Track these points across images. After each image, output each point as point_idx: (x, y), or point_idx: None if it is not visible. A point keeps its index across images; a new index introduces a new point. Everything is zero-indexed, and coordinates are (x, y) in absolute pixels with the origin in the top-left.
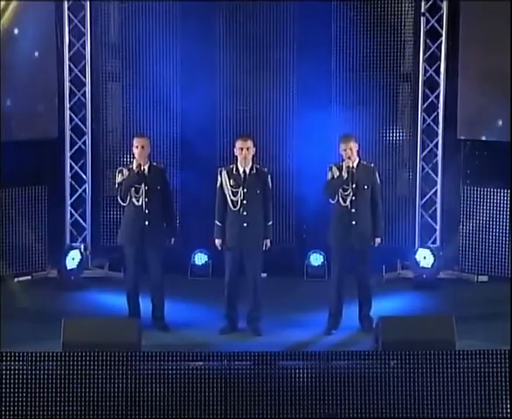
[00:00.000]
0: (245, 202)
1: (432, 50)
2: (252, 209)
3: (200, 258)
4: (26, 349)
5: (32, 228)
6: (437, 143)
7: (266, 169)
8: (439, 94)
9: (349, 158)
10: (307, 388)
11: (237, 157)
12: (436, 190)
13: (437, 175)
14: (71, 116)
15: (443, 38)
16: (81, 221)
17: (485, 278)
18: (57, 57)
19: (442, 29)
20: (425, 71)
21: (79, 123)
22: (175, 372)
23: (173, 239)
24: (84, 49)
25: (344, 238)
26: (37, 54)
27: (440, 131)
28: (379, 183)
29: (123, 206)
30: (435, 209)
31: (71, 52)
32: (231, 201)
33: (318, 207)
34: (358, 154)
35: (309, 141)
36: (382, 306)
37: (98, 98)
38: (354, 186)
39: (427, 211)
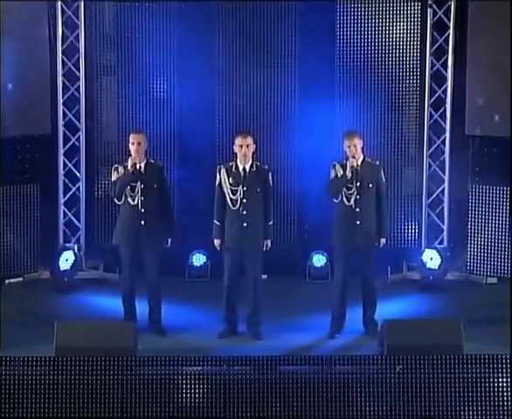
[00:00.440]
0: (244, 200)
1: (439, 43)
2: (252, 207)
3: (198, 259)
4: (18, 353)
5: (24, 227)
6: (444, 139)
7: (266, 167)
8: (446, 89)
9: (354, 157)
10: (309, 393)
11: (236, 154)
12: (443, 189)
13: (444, 173)
14: (64, 111)
15: (450, 31)
16: (75, 220)
17: (494, 280)
18: (49, 50)
19: (450, 21)
20: (432, 64)
21: (73, 119)
22: (172, 377)
23: (170, 240)
24: (77, 41)
25: (348, 238)
26: (28, 47)
27: (448, 127)
28: (384, 181)
29: (119, 205)
30: (442, 208)
31: (64, 45)
32: (231, 199)
33: (321, 206)
34: (363, 152)
35: (312, 138)
36: (387, 309)
37: (92, 92)
38: (358, 184)
39: (434, 210)
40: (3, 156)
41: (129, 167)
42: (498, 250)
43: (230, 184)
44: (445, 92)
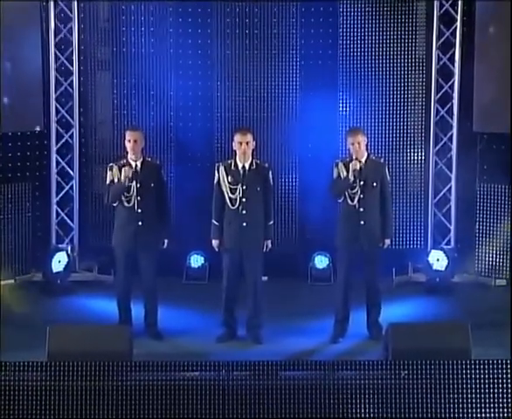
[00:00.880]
0: (244, 199)
1: (446, 36)
2: (251, 207)
3: (196, 260)
4: (9, 359)
5: (15, 228)
6: (451, 136)
7: (266, 165)
8: (453, 84)
9: (357, 158)
10: (312, 400)
11: (235, 152)
12: (450, 187)
13: (451, 171)
14: (57, 107)
15: (458, 23)
16: (68, 220)
17: (503, 282)
18: (41, 43)
19: (457, 13)
20: (439, 58)
21: (66, 115)
22: (169, 383)
23: (166, 241)
24: (71, 35)
25: (351, 239)
26: (19, 41)
27: (455, 123)
28: (389, 180)
29: (113, 205)
30: (449, 207)
31: (57, 39)
32: (230, 199)
33: (323, 205)
34: (367, 149)
35: (314, 135)
36: (392, 312)
37: (86, 88)
38: (362, 183)
39: (441, 210)
40: None
41: (122, 178)
42: (507, 251)
43: (229, 183)
44: (452, 87)
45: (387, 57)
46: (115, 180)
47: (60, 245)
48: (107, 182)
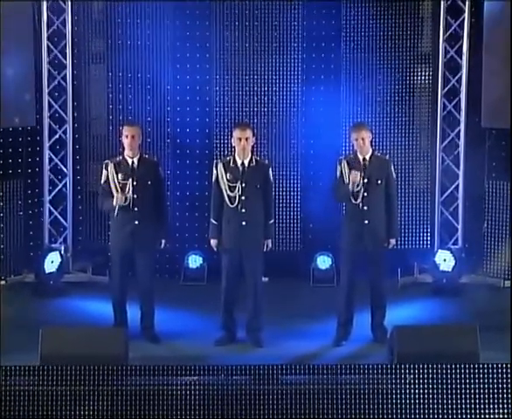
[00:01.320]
0: (243, 198)
1: (453, 28)
2: (251, 205)
3: (194, 261)
4: None
5: (6, 227)
6: (459, 132)
7: (266, 161)
8: (461, 77)
9: (358, 170)
10: (313, 405)
11: (234, 148)
12: (458, 185)
13: (459, 168)
14: (50, 102)
15: (465, 15)
16: (61, 219)
17: None
18: (34, 36)
19: (464, 4)
20: (446, 51)
21: (59, 110)
22: (166, 388)
23: (164, 241)
24: (64, 27)
25: (355, 239)
26: (11, 33)
27: (462, 118)
28: (394, 177)
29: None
30: (457, 205)
31: (49, 31)
32: (229, 197)
33: (326, 203)
34: (371, 145)
35: (316, 130)
36: (397, 314)
37: (80, 82)
38: (366, 181)
39: (448, 208)
40: None
41: (117, 203)
42: None
43: (227, 180)
44: (459, 81)
45: (392, 49)
46: (110, 180)
47: (53, 245)
48: (102, 181)
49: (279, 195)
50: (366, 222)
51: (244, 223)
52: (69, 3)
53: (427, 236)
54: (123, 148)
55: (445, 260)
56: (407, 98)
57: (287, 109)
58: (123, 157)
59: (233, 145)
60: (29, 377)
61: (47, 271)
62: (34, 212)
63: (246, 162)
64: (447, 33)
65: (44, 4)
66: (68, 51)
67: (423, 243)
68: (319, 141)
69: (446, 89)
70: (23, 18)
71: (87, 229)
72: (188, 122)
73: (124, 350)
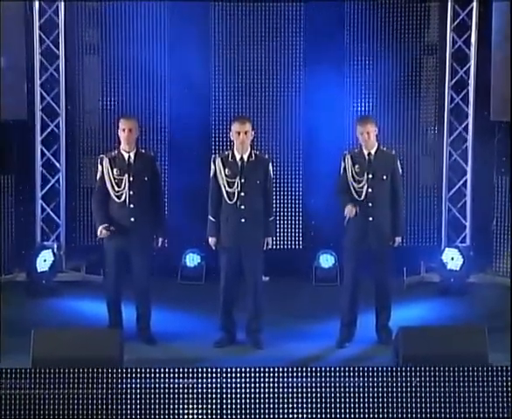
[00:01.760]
0: (242, 194)
1: (461, 17)
2: (250, 202)
3: (192, 259)
4: None
5: None
6: (467, 125)
7: (266, 156)
8: (469, 69)
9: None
10: (316, 408)
11: (233, 142)
12: (466, 181)
13: (467, 163)
14: (42, 94)
15: (474, 4)
16: (54, 216)
17: None
18: (25, 25)
19: None
20: (454, 41)
21: (52, 103)
22: (162, 391)
23: (161, 240)
24: (57, 16)
25: (359, 237)
26: (0, 21)
27: (471, 111)
28: (400, 173)
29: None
30: (464, 202)
31: (41, 20)
32: (227, 193)
33: (329, 200)
34: (377, 139)
35: (319, 123)
36: (402, 315)
37: (73, 73)
38: (370, 176)
39: (455, 205)
40: None
41: (110, 232)
42: None
43: (226, 176)
44: (467, 72)
45: (397, 39)
46: (105, 176)
47: (46, 243)
48: (97, 177)
49: (279, 190)
50: (371, 219)
51: (243, 220)
52: None
53: (434, 234)
54: (119, 142)
55: (452, 259)
56: (413, 90)
57: (289, 101)
58: (119, 152)
59: (232, 139)
60: (20, 380)
61: (39, 270)
62: (26, 209)
63: (245, 157)
64: (455, 23)
65: None
66: (61, 41)
67: (430, 241)
68: (322, 135)
69: (454, 81)
70: (13, 7)
71: (81, 226)
72: (185, 116)
73: (119, 352)
